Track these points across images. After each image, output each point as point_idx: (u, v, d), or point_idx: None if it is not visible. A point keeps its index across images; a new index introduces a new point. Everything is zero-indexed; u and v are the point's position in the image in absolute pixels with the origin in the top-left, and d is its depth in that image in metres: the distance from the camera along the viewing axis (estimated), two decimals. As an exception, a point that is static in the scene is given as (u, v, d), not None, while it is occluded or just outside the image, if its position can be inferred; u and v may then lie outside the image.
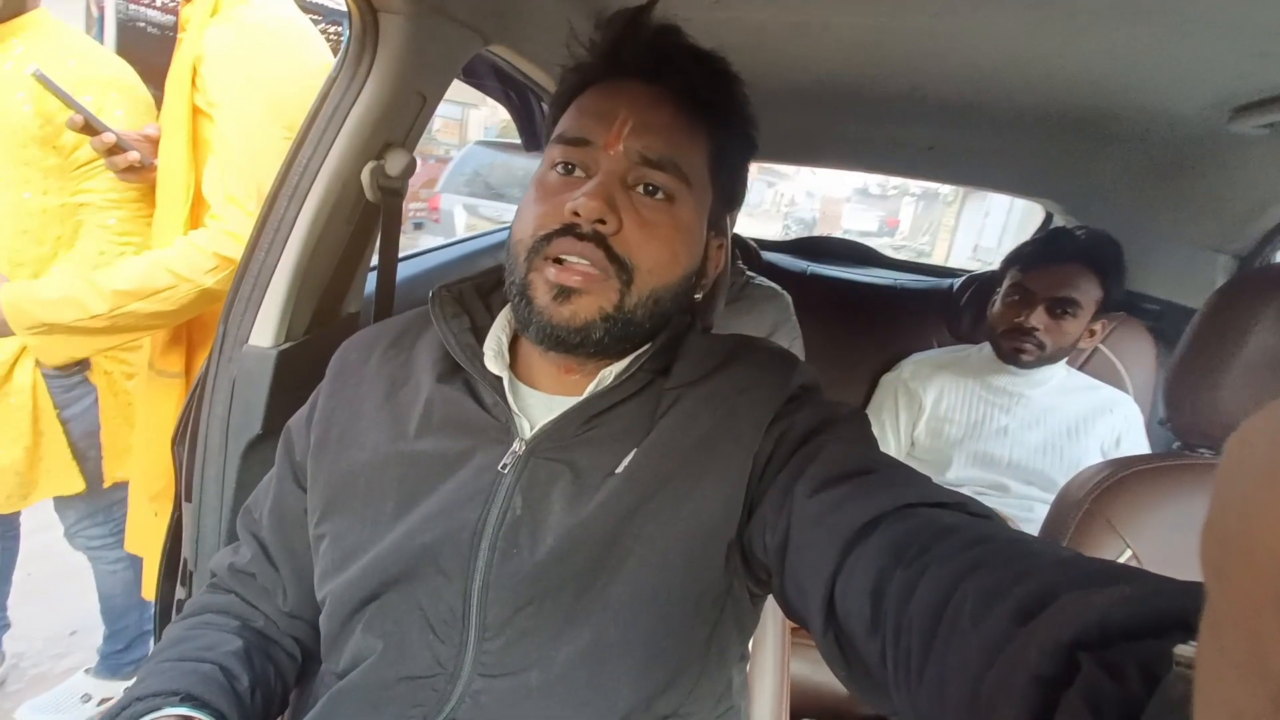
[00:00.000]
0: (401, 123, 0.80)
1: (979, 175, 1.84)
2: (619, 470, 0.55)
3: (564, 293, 0.53)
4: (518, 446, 0.56)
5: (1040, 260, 1.38)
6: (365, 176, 0.77)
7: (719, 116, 0.59)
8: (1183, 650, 0.21)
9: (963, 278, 1.81)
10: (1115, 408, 1.43)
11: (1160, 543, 0.78)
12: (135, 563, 1.42)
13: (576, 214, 0.53)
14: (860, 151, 1.77)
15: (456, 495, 0.55)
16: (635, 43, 0.58)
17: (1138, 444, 1.39)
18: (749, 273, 1.60)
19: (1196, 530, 0.14)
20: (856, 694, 0.43)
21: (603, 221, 0.53)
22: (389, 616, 0.56)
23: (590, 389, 0.58)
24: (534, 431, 0.57)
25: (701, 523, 0.54)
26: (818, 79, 1.27)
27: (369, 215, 0.83)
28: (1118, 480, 0.82)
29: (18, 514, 1.42)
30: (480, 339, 0.61)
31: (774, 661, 0.75)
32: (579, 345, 0.55)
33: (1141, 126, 1.26)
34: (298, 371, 0.79)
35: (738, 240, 1.79)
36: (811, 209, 19.92)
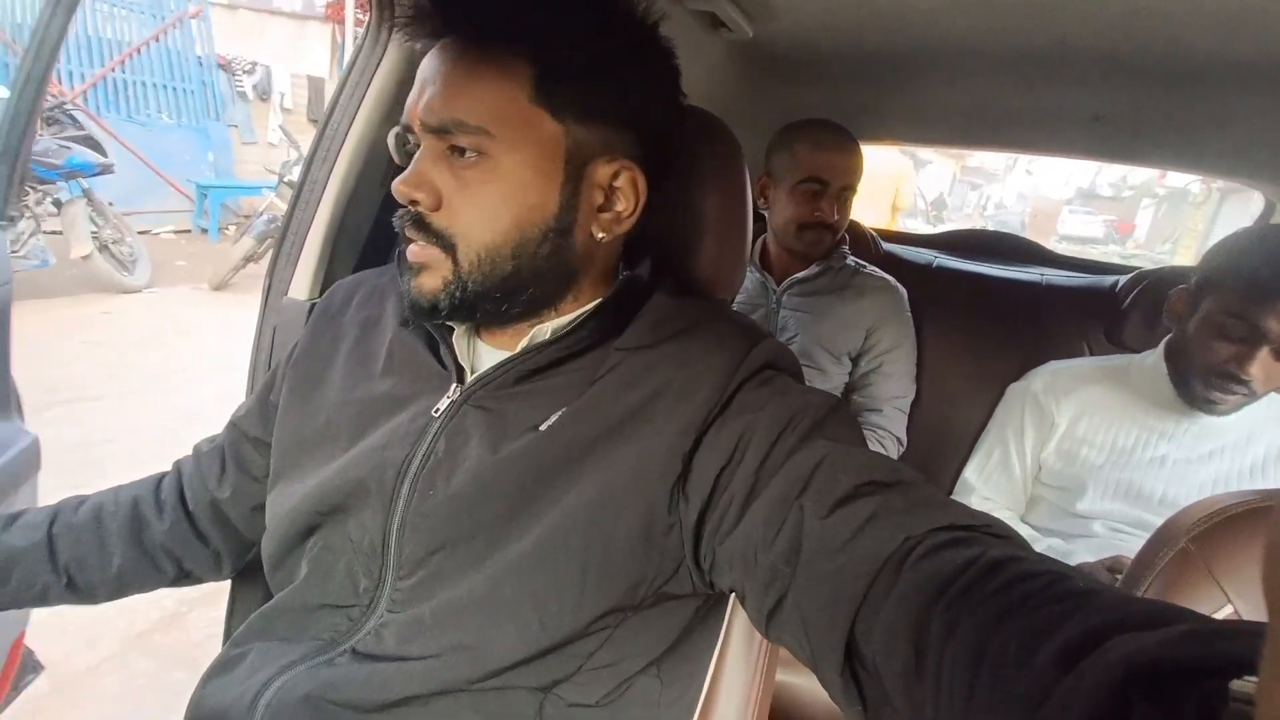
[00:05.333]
0: (430, 90, 0.83)
1: (1165, 153, 1.48)
2: (542, 427, 0.54)
3: (414, 269, 0.56)
4: (454, 392, 0.58)
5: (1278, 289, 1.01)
6: (391, 141, 0.81)
7: (530, 39, 0.52)
8: (1239, 686, 0.20)
9: (1128, 275, 1.49)
10: (1324, 445, 1.11)
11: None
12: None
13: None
14: (1006, 126, 1.51)
15: (391, 434, 0.58)
16: None
17: (1351, 493, 1.06)
18: (856, 261, 1.47)
19: None
20: None
21: (415, 202, 0.54)
22: (323, 545, 0.59)
23: (524, 343, 0.58)
24: (471, 379, 0.58)
25: (617, 500, 0.52)
26: (938, 38, 1.11)
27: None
28: (1234, 516, 0.62)
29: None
30: None
31: (746, 663, 0.67)
32: (431, 314, 0.56)
33: None
34: None
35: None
36: (1020, 213, 17.82)
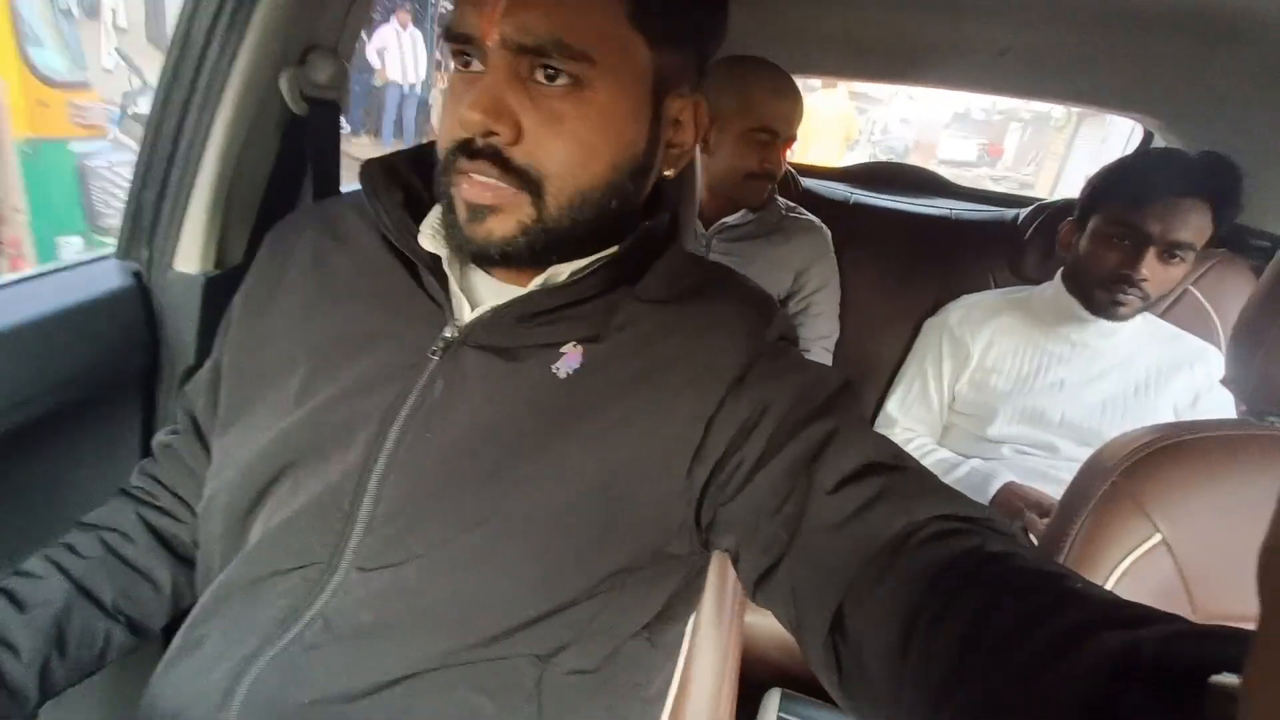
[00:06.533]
0: (326, 24, 0.72)
1: (1063, 87, 1.55)
2: (559, 374, 0.51)
3: (477, 212, 0.49)
4: (450, 332, 0.52)
5: (1155, 193, 1.11)
6: (284, 84, 0.70)
7: None
8: (1219, 680, 0.20)
9: (1029, 207, 1.58)
10: (1197, 362, 1.22)
11: (1200, 530, 0.63)
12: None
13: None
14: (917, 59, 1.53)
15: (375, 374, 0.52)
16: None
17: (1220, 406, 1.19)
18: (784, 203, 1.47)
19: (1254, 517, 0.07)
20: (843, 703, 0.41)
21: (494, 133, 0.46)
22: (279, 505, 0.53)
23: (537, 282, 0.53)
24: (471, 319, 0.53)
25: (635, 463, 0.49)
26: None
27: (302, 129, 0.76)
28: (1157, 450, 0.67)
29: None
30: (419, 214, 0.55)
31: (720, 617, 0.68)
32: (504, 260, 0.51)
33: (1262, 24, 1.01)
34: None
35: None
36: (905, 137, 18.54)
